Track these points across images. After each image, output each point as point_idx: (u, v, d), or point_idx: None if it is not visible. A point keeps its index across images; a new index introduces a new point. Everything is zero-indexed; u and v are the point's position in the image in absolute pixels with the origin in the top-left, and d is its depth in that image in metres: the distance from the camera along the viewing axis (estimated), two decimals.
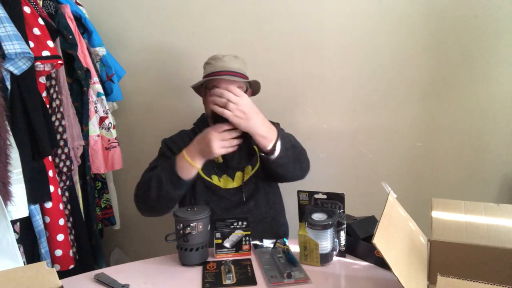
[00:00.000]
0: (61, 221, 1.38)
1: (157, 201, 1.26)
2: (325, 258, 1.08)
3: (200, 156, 1.23)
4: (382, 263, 1.04)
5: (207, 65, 1.43)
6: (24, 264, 1.22)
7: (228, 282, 1.00)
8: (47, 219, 1.36)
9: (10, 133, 1.18)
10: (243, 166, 1.43)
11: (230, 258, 1.13)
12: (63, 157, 1.47)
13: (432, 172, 1.83)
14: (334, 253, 1.12)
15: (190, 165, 1.22)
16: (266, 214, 1.42)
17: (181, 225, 1.08)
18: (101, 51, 1.69)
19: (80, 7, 1.68)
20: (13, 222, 1.20)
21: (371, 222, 1.20)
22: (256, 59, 1.72)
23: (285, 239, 1.19)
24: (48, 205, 1.35)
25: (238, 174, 1.43)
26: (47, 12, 1.43)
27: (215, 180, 1.41)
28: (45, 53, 1.27)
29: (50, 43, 1.29)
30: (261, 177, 1.43)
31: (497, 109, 1.72)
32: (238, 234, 1.14)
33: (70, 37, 1.49)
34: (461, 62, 1.70)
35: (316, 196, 1.13)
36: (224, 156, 1.38)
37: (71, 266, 1.42)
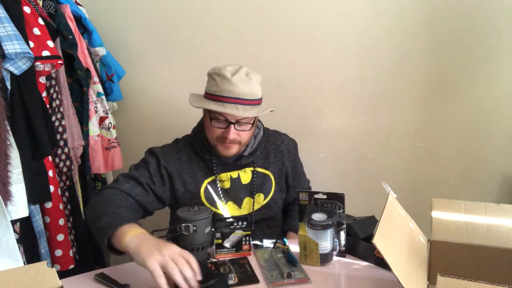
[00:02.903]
0: (61, 221, 1.38)
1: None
2: (325, 258, 1.08)
3: (134, 250, 0.91)
4: (382, 263, 1.04)
5: (212, 79, 1.20)
6: (24, 264, 1.22)
7: (230, 282, 1.00)
8: (47, 219, 1.36)
9: (10, 133, 1.18)
10: (253, 193, 1.31)
11: (227, 258, 1.13)
12: (63, 157, 1.47)
13: (432, 172, 1.83)
14: (334, 253, 1.12)
15: (120, 244, 0.94)
16: (271, 236, 1.37)
17: (182, 224, 1.08)
18: (101, 51, 1.69)
19: (80, 7, 1.68)
20: (13, 222, 1.20)
21: (371, 222, 1.19)
22: (256, 59, 1.73)
23: (285, 239, 1.19)
24: (48, 205, 1.35)
25: (247, 200, 1.32)
26: (47, 12, 1.43)
27: (219, 208, 1.29)
28: (45, 53, 1.27)
29: (50, 43, 1.29)
30: (274, 208, 1.35)
31: (497, 109, 1.72)
32: (238, 234, 1.14)
33: (70, 37, 1.49)
34: (461, 62, 1.70)
35: (316, 196, 1.13)
36: (232, 181, 1.29)
37: (71, 266, 1.42)
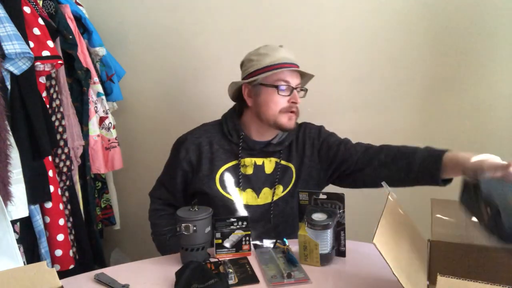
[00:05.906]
0: (61, 221, 1.38)
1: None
2: (325, 258, 1.08)
3: None
4: None
5: (261, 56, 1.23)
6: (24, 264, 1.22)
7: (230, 282, 1.00)
8: (47, 219, 1.36)
9: (10, 133, 1.18)
10: (274, 184, 1.29)
11: (227, 258, 1.13)
12: (63, 157, 1.47)
13: None
14: (334, 253, 1.12)
15: None
16: (283, 232, 1.32)
17: (181, 224, 1.08)
18: (101, 51, 1.69)
19: (80, 7, 1.68)
20: (13, 222, 1.20)
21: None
22: None
23: (285, 239, 1.19)
24: (48, 205, 1.35)
25: (265, 190, 1.29)
26: (47, 12, 1.43)
27: (233, 195, 1.28)
28: (45, 53, 1.27)
29: (50, 43, 1.29)
30: (291, 203, 1.29)
31: (497, 109, 1.72)
32: (238, 234, 1.14)
33: (70, 37, 1.49)
34: (461, 62, 1.70)
35: (316, 196, 1.13)
36: (255, 167, 1.27)
37: (71, 266, 1.42)
